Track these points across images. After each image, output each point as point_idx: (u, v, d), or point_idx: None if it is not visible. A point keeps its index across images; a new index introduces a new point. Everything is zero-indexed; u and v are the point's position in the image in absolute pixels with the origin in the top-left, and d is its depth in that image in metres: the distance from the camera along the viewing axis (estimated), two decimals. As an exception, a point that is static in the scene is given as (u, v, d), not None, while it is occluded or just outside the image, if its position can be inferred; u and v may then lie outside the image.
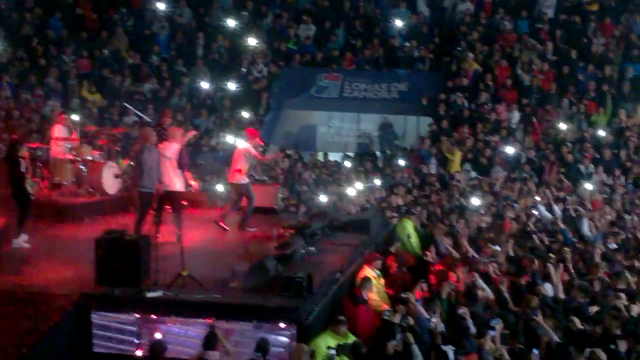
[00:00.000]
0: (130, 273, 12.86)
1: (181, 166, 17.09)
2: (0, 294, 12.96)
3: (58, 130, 20.15)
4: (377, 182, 23.54)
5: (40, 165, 19.03)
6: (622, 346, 11.56)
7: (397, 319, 12.65)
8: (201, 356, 11.54)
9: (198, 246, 15.62)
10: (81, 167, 19.14)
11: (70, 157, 19.41)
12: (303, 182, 23.11)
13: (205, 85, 28.26)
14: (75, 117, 22.63)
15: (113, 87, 27.98)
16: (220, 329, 12.41)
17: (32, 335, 11.63)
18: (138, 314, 12.90)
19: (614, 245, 17.61)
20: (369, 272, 14.94)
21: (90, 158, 19.33)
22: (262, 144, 17.96)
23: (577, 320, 12.49)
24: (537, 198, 21.38)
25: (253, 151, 17.67)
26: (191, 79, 28.78)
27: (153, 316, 12.89)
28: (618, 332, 12.25)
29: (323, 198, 20.77)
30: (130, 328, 12.93)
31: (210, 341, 11.84)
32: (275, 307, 12.70)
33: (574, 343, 11.67)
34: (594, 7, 30.65)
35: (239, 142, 17.80)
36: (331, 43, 30.62)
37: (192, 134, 18.55)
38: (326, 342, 11.93)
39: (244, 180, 17.54)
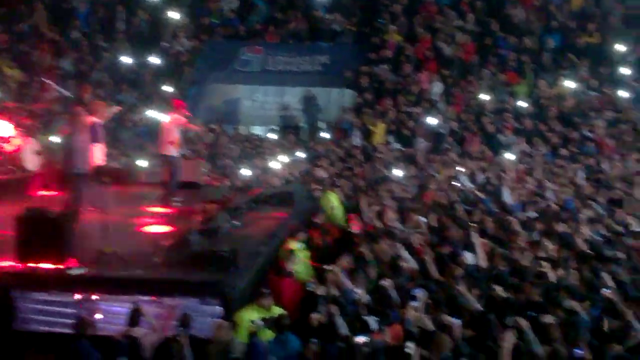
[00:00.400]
0: (52, 250, 12.71)
1: (97, 140, 16.68)
2: None
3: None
4: (301, 155, 23.52)
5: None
6: (544, 312, 11.68)
7: (321, 291, 12.67)
8: (126, 333, 11.44)
9: (121, 222, 15.45)
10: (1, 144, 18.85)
11: (-12, 135, 19.13)
12: (227, 156, 22.98)
13: (126, 59, 27.95)
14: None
15: (32, 62, 27.52)
16: (164, 305, 12.40)
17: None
18: (61, 291, 12.76)
19: (533, 214, 17.78)
20: (293, 244, 14.91)
21: (10, 135, 19.01)
22: (190, 114, 17.71)
23: (499, 289, 12.59)
24: (459, 168, 21.53)
25: (183, 120, 17.53)
26: (112, 53, 28.46)
27: (77, 294, 12.77)
28: (539, 299, 12.39)
29: (247, 172, 20.69)
30: (53, 306, 12.80)
31: (134, 317, 11.76)
32: (199, 282, 12.66)
33: (495, 311, 11.77)
34: (514, -20, 30.96)
35: (165, 116, 17.53)
36: (254, 16, 30.47)
37: (117, 109, 18.32)
38: (251, 316, 11.88)
39: (175, 152, 17.36)
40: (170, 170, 17.54)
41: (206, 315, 12.32)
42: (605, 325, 11.54)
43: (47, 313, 12.83)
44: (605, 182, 21.03)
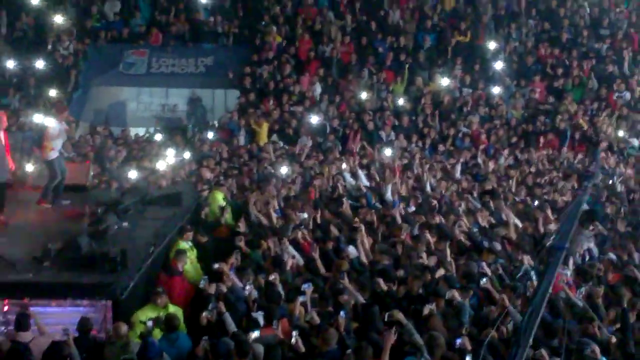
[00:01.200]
0: None
1: None
2: None
3: None
4: (187, 155, 23.40)
5: None
6: (425, 304, 11.86)
7: (211, 289, 12.66)
8: (12, 338, 11.27)
9: (9, 226, 15.19)
10: None
11: None
12: (113, 158, 22.71)
13: (10, 63, 27.41)
14: None
15: None
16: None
17: None
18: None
19: (412, 208, 17.99)
20: (182, 244, 14.88)
21: None
22: (72, 119, 17.38)
23: (381, 282, 12.74)
24: (342, 165, 21.68)
25: (64, 126, 17.21)
26: (-5, 58, 27.87)
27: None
28: (420, 291, 12.58)
29: (134, 173, 20.48)
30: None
31: (22, 322, 11.59)
32: (89, 284, 12.57)
33: (379, 303, 11.92)
34: (391, -19, 31.31)
35: (48, 120, 17.19)
36: (137, 19, 30.20)
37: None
38: (146, 315, 11.89)
39: (53, 155, 16.84)
40: (50, 174, 16.97)
41: (97, 317, 12.23)
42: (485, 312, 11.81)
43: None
44: (480, 176, 21.42)
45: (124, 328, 11.41)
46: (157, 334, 11.53)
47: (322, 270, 13.79)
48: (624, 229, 16.56)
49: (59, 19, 28.86)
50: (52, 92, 25.88)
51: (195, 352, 10.92)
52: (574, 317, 11.70)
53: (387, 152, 23.73)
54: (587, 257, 14.96)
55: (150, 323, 11.54)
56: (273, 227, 16.10)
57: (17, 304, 12.13)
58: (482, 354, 10.07)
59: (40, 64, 27.32)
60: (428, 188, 19.90)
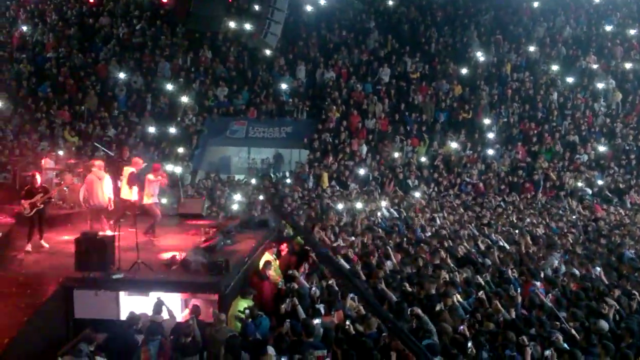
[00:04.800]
0: (100, 262, 12.64)
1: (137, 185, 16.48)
2: (7, 280, 12.75)
3: (47, 162, 19.73)
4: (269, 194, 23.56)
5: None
6: (438, 303, 11.79)
7: (287, 288, 12.68)
8: (152, 319, 11.37)
9: (148, 242, 15.37)
10: (65, 188, 18.68)
11: (57, 181, 18.94)
12: (221, 195, 22.88)
13: (152, 129, 27.89)
14: (60, 153, 22.15)
15: (86, 132, 27.35)
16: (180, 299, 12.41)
17: (31, 308, 11.35)
18: (107, 290, 12.65)
19: (429, 233, 17.87)
20: (268, 256, 14.93)
21: (71, 182, 18.87)
22: (165, 175, 16.64)
23: (407, 285, 12.67)
24: (381, 203, 21.65)
25: (162, 180, 16.43)
26: (142, 126, 28.33)
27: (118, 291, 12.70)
28: (434, 292, 12.48)
29: (235, 206, 20.61)
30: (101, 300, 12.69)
31: (158, 308, 11.70)
32: (203, 283, 12.65)
33: (405, 300, 11.85)
34: (416, 75, 31.43)
35: (150, 174, 16.22)
36: (239, 100, 30.56)
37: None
38: (242, 306, 11.92)
39: (149, 201, 16.14)
40: (151, 213, 16.24)
41: (209, 306, 12.30)
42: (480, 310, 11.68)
43: (97, 305, 12.74)
44: (478, 213, 21.25)
45: (223, 316, 11.49)
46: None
47: (363, 277, 13.66)
48: (581, 252, 16.29)
49: (185, 99, 29.40)
50: (180, 149, 26.28)
51: (280, 331, 10.95)
52: (544, 314, 11.52)
53: (414, 194, 23.77)
54: (555, 272, 14.74)
55: (247, 311, 11.61)
56: (330, 245, 16.06)
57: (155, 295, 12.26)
58: (482, 341, 9.99)
59: (172, 130, 27.78)
60: (440, 220, 19.78)
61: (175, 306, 12.61)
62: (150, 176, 16.04)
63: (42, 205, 14.81)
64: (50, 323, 11.92)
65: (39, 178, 15.49)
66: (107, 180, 15.95)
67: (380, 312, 11.04)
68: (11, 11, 35.65)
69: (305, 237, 16.24)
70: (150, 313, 11.70)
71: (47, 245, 14.97)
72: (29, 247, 14.61)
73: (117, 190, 16.75)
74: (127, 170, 16.08)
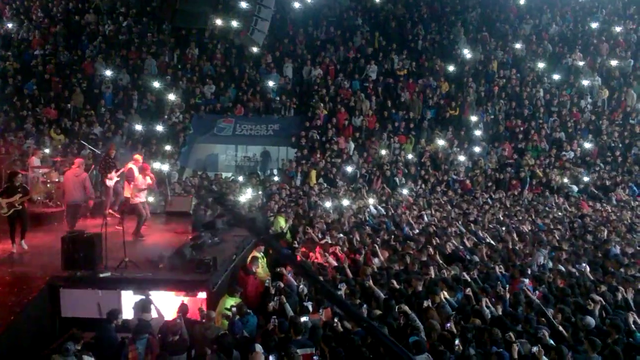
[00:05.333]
0: (87, 260, 12.59)
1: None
2: (-7, 279, 12.61)
3: (34, 161, 19.64)
4: (260, 192, 23.52)
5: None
6: (425, 300, 11.81)
7: (274, 286, 12.68)
8: (139, 317, 11.34)
9: (134, 240, 15.34)
10: (50, 186, 18.61)
11: (43, 180, 18.86)
12: (209, 193, 22.84)
13: (139, 127, 27.82)
14: (46, 151, 22.05)
15: (73, 130, 27.23)
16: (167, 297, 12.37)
17: (17, 306, 11.29)
18: (93, 289, 12.61)
19: (416, 231, 17.91)
20: (256, 253, 14.92)
21: (57, 180, 18.80)
22: (152, 175, 16.39)
23: (395, 282, 12.69)
24: (369, 200, 21.67)
25: (150, 182, 16.31)
26: (129, 123, 28.26)
27: (104, 290, 12.65)
28: (421, 289, 12.51)
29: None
30: (88, 299, 12.65)
31: (145, 306, 11.66)
32: (191, 280, 12.61)
33: (393, 298, 11.87)
34: (403, 73, 31.50)
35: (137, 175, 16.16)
36: (226, 97, 30.51)
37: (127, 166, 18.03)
38: (229, 303, 11.90)
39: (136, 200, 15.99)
40: (137, 212, 16.03)
41: (197, 304, 12.28)
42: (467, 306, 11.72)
43: (84, 304, 12.70)
44: (465, 210, 21.29)
45: (212, 314, 11.46)
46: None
47: (350, 274, 13.66)
48: (567, 248, 16.37)
49: (172, 97, 29.33)
50: (167, 147, 26.21)
51: (267, 328, 10.94)
52: (531, 311, 11.58)
53: (401, 191, 23.81)
54: (542, 269, 14.80)
55: (234, 309, 11.59)
56: (319, 243, 16.09)
57: (142, 294, 12.20)
58: (469, 337, 10.02)
59: (159, 127, 27.70)
60: (427, 217, 19.82)
61: (163, 304, 12.59)
62: (139, 176, 15.99)
63: (20, 206, 14.35)
64: (37, 322, 11.87)
65: (21, 177, 15.12)
66: (86, 178, 15.98)
67: (352, 311, 10.84)
68: (-4, 8, 35.45)
69: (259, 235, 15.82)
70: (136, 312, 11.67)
71: (26, 247, 14.61)
72: (14, 248, 14.42)
73: (107, 189, 16.84)
74: (129, 167, 16.14)
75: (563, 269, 14.42)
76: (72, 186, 16.01)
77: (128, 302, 12.39)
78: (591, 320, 10.92)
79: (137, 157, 17.13)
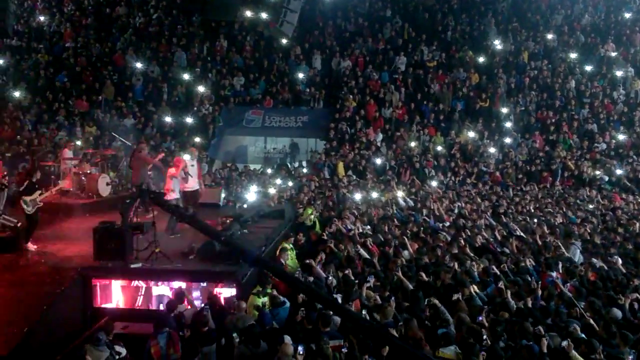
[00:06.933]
0: (118, 251, 12.71)
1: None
2: (27, 268, 12.84)
3: (66, 153, 19.85)
4: (289, 183, 23.58)
5: (54, 177, 18.70)
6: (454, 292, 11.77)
7: (302, 278, 12.69)
8: (172, 309, 11.42)
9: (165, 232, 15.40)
10: (83, 178, 18.81)
11: (75, 171, 19.08)
12: (238, 184, 22.96)
13: (168, 119, 28.01)
14: (78, 143, 22.30)
15: (104, 122, 27.50)
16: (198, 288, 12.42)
17: (50, 296, 11.41)
18: (125, 280, 12.75)
19: (447, 223, 17.81)
20: (285, 244, 14.93)
21: (89, 171, 19.01)
22: (187, 170, 16.39)
23: (423, 274, 12.65)
24: (398, 193, 21.61)
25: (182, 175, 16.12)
26: (159, 115, 28.47)
27: (136, 281, 12.79)
28: (450, 281, 12.47)
29: (252, 196, 20.66)
30: (120, 289, 12.81)
31: (179, 297, 11.75)
32: (220, 272, 12.65)
33: (422, 290, 11.84)
34: (433, 64, 31.34)
35: (171, 169, 16.08)
36: (255, 89, 30.59)
37: (161, 155, 18.26)
38: (259, 295, 11.93)
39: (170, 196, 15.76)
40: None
41: (227, 295, 12.35)
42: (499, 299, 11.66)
43: (116, 294, 12.87)
44: (495, 202, 21.15)
45: (243, 304, 11.48)
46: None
47: (378, 266, 13.65)
48: (599, 241, 16.19)
49: (202, 89, 29.48)
50: (197, 139, 26.35)
51: (295, 319, 10.96)
52: (563, 304, 11.49)
53: (431, 183, 23.73)
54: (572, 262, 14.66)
55: (264, 301, 11.63)
56: (348, 235, 16.05)
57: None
58: (498, 330, 9.98)
59: (189, 119, 27.87)
60: (457, 209, 19.73)
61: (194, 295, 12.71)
62: (172, 170, 15.89)
63: (41, 203, 14.15)
64: (69, 312, 12.00)
65: (39, 173, 14.93)
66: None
67: (339, 308, 10.65)
68: (29, 1, 35.85)
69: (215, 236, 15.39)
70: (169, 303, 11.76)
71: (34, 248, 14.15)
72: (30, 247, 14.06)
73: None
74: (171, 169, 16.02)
75: (595, 262, 14.26)
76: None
77: (159, 292, 12.53)
78: (618, 312, 10.80)
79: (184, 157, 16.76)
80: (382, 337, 8.26)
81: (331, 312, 10.29)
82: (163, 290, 12.98)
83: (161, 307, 12.48)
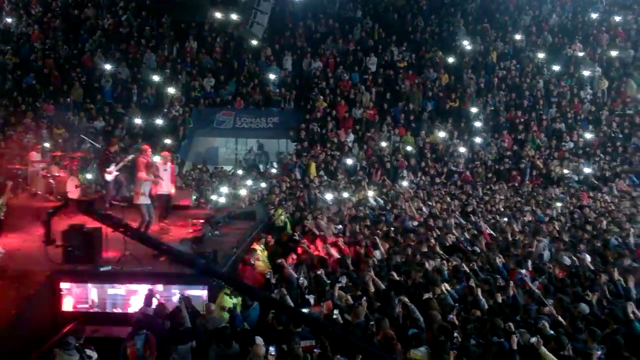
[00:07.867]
0: (87, 254, 12.60)
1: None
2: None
3: (33, 156, 19.62)
4: (259, 184, 23.55)
5: (21, 180, 18.47)
6: (425, 291, 11.82)
7: (275, 278, 12.68)
8: (143, 311, 11.35)
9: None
10: (51, 180, 18.61)
11: (43, 173, 18.86)
12: (209, 186, 22.86)
13: (138, 121, 27.81)
14: (46, 145, 22.05)
15: (73, 124, 27.20)
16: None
17: (19, 301, 11.28)
18: (94, 283, 12.62)
19: (416, 223, 17.93)
20: (256, 246, 14.90)
21: (58, 174, 18.80)
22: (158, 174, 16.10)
23: (394, 274, 12.69)
24: (369, 193, 21.67)
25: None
26: (129, 117, 28.25)
27: (105, 284, 12.66)
28: (421, 280, 12.52)
29: (223, 198, 20.57)
30: (88, 292, 12.67)
31: (148, 299, 11.67)
32: (191, 274, 12.55)
33: (393, 289, 11.87)
34: (403, 64, 31.43)
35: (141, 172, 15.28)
36: (225, 91, 30.47)
37: (126, 160, 17.71)
38: (230, 297, 11.88)
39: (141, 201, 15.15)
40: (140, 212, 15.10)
41: (198, 297, 12.28)
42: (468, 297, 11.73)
43: (84, 298, 12.73)
44: (465, 201, 21.30)
45: (212, 306, 11.46)
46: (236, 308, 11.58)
47: (351, 266, 13.69)
48: (567, 239, 16.36)
49: (172, 90, 29.31)
50: (167, 140, 26.18)
51: (266, 321, 10.95)
52: (532, 301, 11.59)
53: (402, 183, 23.84)
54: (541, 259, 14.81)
55: (235, 302, 11.60)
56: (319, 235, 16.04)
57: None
58: (469, 328, 10.03)
59: (159, 121, 27.69)
60: (427, 209, 19.82)
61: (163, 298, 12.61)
62: (142, 174, 15.10)
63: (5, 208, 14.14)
64: (38, 316, 11.86)
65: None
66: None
67: (300, 316, 10.56)
68: (-5, 3, 35.40)
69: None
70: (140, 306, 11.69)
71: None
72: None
73: (107, 184, 16.83)
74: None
75: (565, 259, 14.41)
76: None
77: (129, 295, 12.43)
78: (585, 308, 10.92)
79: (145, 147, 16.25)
80: (350, 344, 8.23)
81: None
82: (117, 290, 12.81)
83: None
